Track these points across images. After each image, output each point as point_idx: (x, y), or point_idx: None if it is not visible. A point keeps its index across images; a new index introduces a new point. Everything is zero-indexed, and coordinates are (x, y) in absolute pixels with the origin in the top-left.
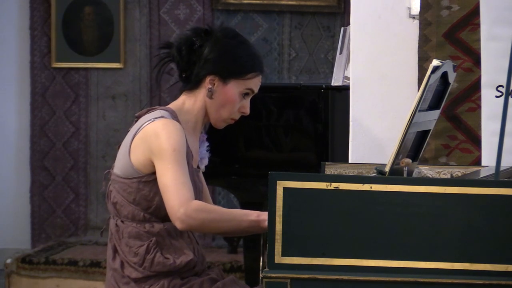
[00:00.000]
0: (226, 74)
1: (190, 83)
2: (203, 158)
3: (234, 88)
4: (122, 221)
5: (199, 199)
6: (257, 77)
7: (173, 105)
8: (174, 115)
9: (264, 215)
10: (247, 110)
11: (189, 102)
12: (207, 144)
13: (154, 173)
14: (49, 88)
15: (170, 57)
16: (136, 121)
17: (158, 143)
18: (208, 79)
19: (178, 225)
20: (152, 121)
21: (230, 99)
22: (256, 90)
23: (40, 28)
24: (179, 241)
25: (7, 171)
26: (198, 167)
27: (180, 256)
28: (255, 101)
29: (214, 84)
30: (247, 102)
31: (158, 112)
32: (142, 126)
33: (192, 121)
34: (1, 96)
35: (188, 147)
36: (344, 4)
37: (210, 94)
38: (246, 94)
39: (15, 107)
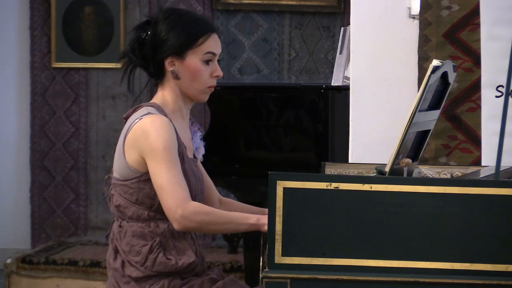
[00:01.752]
0: (179, 50)
1: (156, 75)
2: (198, 148)
3: (193, 59)
4: (126, 221)
5: (201, 189)
6: (210, 38)
7: (155, 99)
8: (160, 109)
9: (264, 219)
10: (219, 73)
11: (166, 93)
12: (199, 133)
13: None
14: (49, 88)
15: (131, 63)
16: (125, 122)
17: (148, 142)
18: (166, 62)
19: (176, 226)
20: (140, 119)
21: (195, 70)
22: (216, 51)
23: (40, 28)
24: (182, 242)
25: (7, 171)
26: (194, 157)
27: (182, 258)
28: (255, 101)
29: (174, 64)
30: (215, 66)
31: (144, 109)
32: (131, 126)
33: (177, 109)
34: (1, 96)
35: (179, 139)
36: (344, 4)
37: (175, 75)
38: (209, 59)
39: (15, 107)
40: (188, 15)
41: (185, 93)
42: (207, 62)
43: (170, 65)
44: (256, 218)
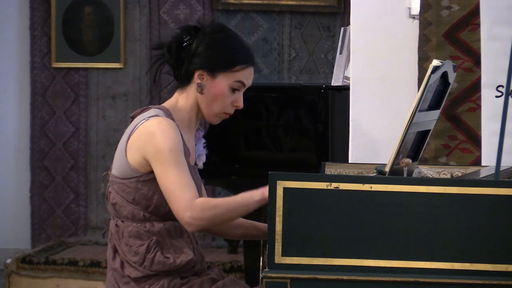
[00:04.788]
0: (214, 67)
1: (181, 80)
2: (200, 155)
3: (223, 82)
4: (122, 221)
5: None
6: (246, 69)
7: (167, 104)
8: (168, 113)
9: (268, 191)
10: (240, 104)
11: (182, 100)
12: (203, 141)
13: (151, 172)
14: (49, 88)
15: (163, 57)
16: (131, 121)
17: (154, 144)
18: (196, 74)
19: (188, 228)
20: (146, 120)
21: (220, 92)
22: (247, 83)
23: (40, 28)
24: (179, 240)
25: (7, 171)
26: (195, 164)
27: (180, 256)
28: (255, 101)
29: (203, 78)
30: (239, 96)
31: (152, 111)
32: (137, 126)
33: (186, 118)
34: (1, 96)
35: (184, 144)
36: (344, 4)
37: (200, 89)
38: (237, 88)
39: (15, 107)
40: (236, 38)
41: (201, 108)
42: (233, 90)
43: (199, 77)
44: (260, 192)
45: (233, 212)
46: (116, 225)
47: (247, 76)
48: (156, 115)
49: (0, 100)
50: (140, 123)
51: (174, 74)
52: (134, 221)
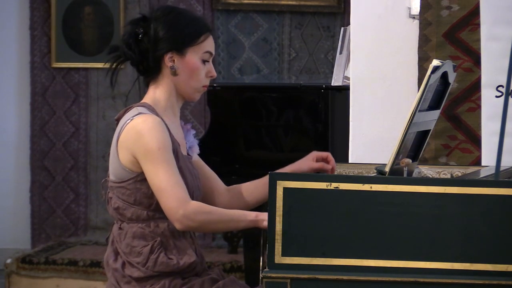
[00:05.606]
0: (181, 45)
1: (151, 71)
2: (192, 146)
3: (193, 56)
4: (127, 223)
5: (197, 186)
6: (209, 38)
7: (146, 99)
8: (151, 109)
9: (262, 215)
10: (214, 73)
11: (158, 91)
12: (193, 131)
13: None
14: (49, 88)
15: (122, 57)
16: (117, 124)
17: (142, 143)
18: (166, 58)
19: (177, 226)
20: (131, 119)
21: (194, 67)
22: (213, 51)
23: (40, 28)
24: (182, 241)
25: (7, 171)
26: (188, 154)
27: (183, 257)
28: (255, 101)
29: (174, 60)
30: (210, 66)
31: (135, 110)
32: (123, 127)
33: (169, 107)
34: (1, 96)
35: (172, 136)
36: (344, 4)
37: (174, 71)
38: (206, 59)
39: (15, 107)
40: (188, 13)
41: (180, 90)
42: (204, 61)
43: (169, 60)
44: (255, 214)
45: (224, 224)
46: (120, 227)
47: (211, 44)
48: (140, 113)
49: (0, 100)
50: (126, 123)
51: (139, 70)
52: (139, 222)
